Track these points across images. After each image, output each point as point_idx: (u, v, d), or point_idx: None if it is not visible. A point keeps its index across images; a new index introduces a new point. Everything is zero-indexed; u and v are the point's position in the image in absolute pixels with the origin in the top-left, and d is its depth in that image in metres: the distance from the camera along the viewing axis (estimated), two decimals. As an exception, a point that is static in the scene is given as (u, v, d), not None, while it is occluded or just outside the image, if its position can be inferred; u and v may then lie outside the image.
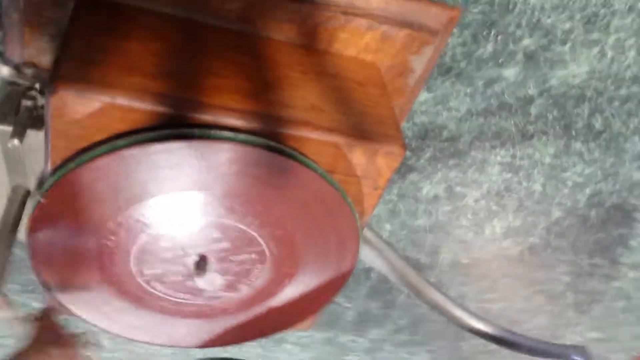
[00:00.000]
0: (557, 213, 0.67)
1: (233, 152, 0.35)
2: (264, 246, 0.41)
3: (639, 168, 0.62)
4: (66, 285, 0.40)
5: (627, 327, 0.94)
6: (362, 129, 0.38)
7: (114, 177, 0.34)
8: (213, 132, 0.35)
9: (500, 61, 0.48)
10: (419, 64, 0.44)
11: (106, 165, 0.34)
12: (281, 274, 0.43)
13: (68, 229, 0.36)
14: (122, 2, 0.38)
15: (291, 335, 0.84)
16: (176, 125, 0.35)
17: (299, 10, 0.40)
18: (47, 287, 0.40)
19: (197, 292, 0.43)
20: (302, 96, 0.38)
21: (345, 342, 0.87)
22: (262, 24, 0.41)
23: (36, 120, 0.38)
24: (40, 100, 0.38)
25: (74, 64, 0.33)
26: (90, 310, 0.42)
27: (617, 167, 0.61)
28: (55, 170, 0.35)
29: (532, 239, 0.70)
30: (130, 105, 0.33)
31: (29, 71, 0.39)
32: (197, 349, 0.87)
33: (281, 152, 0.36)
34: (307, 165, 0.37)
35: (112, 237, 0.37)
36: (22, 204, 0.40)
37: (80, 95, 0.32)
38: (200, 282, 0.42)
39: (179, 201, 0.37)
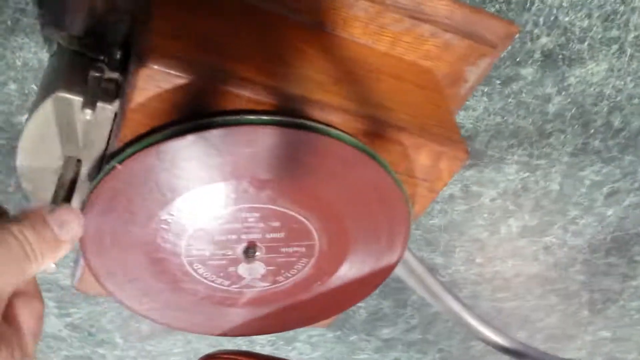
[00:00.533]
0: (573, 212, 0.66)
1: (318, 144, 0.35)
2: (317, 241, 0.41)
3: (658, 167, 0.61)
4: (108, 261, 0.40)
5: (642, 326, 0.93)
6: (428, 131, 0.38)
7: (196, 156, 0.34)
8: (307, 122, 0.34)
9: (517, 60, 0.48)
10: (472, 75, 0.44)
11: (191, 143, 0.33)
12: (322, 270, 0.43)
13: (131, 203, 0.36)
14: None
15: (302, 334, 0.84)
16: (260, 111, 0.34)
17: (367, 10, 0.40)
18: (87, 259, 0.39)
19: (236, 278, 0.42)
20: (369, 94, 0.38)
21: (356, 341, 0.87)
22: (329, 20, 0.41)
23: (103, 92, 0.36)
24: (108, 73, 0.37)
25: (160, 40, 0.33)
26: (123, 288, 0.42)
27: (636, 165, 0.61)
28: (132, 141, 0.34)
29: (548, 238, 0.69)
30: (214, 86, 0.33)
31: (91, 42, 0.38)
32: (208, 348, 0.87)
33: (361, 149, 0.36)
34: (381, 164, 0.37)
35: (175, 214, 0.37)
36: (76, 176, 0.39)
37: (168, 70, 0.32)
38: (242, 269, 0.41)
39: (249, 186, 0.37)
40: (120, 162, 0.33)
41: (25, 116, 0.49)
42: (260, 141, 0.34)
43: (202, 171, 0.35)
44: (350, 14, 0.40)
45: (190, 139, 0.33)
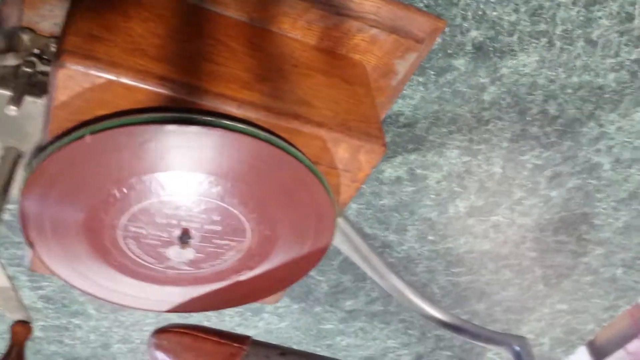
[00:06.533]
0: (518, 193, 0.69)
1: (243, 143, 0.37)
2: (248, 240, 0.44)
3: (597, 151, 0.64)
4: (51, 244, 0.41)
5: (597, 299, 0.97)
6: (347, 126, 0.41)
7: (125, 149, 0.36)
8: (226, 122, 0.36)
9: (449, 52, 0.50)
10: (402, 67, 0.47)
11: (116, 137, 0.35)
12: (250, 262, 0.46)
13: (64, 191, 0.38)
14: None
15: (268, 305, 0.87)
16: (180, 109, 0.36)
17: (295, 6, 0.42)
18: (32, 245, 0.41)
19: (162, 259, 0.45)
20: (293, 90, 0.41)
21: (321, 312, 0.90)
22: (258, 16, 0.43)
23: (35, 86, 0.38)
24: (39, 66, 0.38)
25: (80, 39, 0.34)
26: (67, 270, 0.44)
27: (575, 150, 0.63)
28: (60, 135, 0.36)
29: (496, 217, 0.72)
30: (134, 85, 0.35)
31: (26, 37, 0.39)
32: (179, 318, 0.90)
33: (282, 148, 0.38)
34: (295, 157, 0.39)
35: (125, 191, 0.39)
36: (14, 166, 0.41)
37: (87, 70, 0.33)
38: (172, 252, 0.44)
39: (192, 179, 0.39)
40: (49, 155, 0.35)
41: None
42: (183, 139, 0.36)
43: (133, 162, 0.37)
44: (279, 10, 0.42)
45: (125, 131, 0.35)
